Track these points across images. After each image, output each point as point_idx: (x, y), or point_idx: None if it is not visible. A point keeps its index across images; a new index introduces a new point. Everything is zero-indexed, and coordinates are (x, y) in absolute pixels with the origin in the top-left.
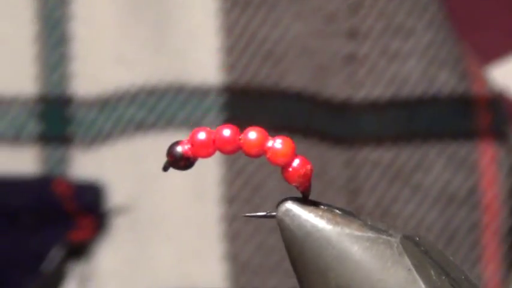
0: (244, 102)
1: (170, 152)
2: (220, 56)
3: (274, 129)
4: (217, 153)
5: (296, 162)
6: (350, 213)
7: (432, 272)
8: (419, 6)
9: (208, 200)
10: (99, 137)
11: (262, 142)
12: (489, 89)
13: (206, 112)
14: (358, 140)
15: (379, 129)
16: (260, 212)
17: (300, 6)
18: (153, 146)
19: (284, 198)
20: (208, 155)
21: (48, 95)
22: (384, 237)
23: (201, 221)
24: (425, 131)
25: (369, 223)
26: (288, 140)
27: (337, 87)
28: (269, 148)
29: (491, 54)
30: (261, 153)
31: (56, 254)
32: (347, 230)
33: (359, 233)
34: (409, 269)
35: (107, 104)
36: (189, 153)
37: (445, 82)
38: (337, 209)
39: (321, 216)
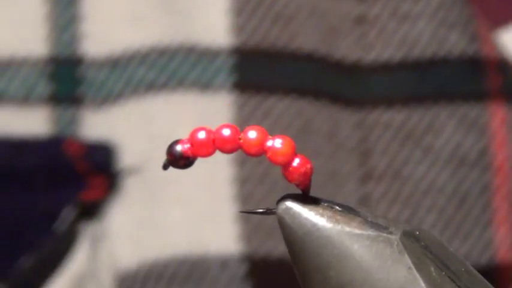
0: (254, 64)
1: (170, 151)
2: (230, 18)
3: (283, 91)
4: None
5: (296, 161)
6: (350, 209)
7: (432, 269)
8: None
9: (221, 161)
10: (110, 97)
11: (262, 142)
12: (499, 52)
13: (216, 73)
14: (368, 101)
15: (390, 91)
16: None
17: None
18: (164, 106)
19: (284, 195)
20: (208, 154)
21: (58, 55)
22: (384, 235)
23: (213, 182)
24: (435, 92)
25: (369, 219)
26: (288, 139)
27: (347, 48)
28: (269, 148)
29: (500, 19)
30: (261, 152)
31: (68, 214)
32: (347, 229)
33: (359, 232)
34: (409, 268)
35: (117, 64)
36: (189, 152)
37: (455, 43)
38: (338, 205)
39: (321, 214)
